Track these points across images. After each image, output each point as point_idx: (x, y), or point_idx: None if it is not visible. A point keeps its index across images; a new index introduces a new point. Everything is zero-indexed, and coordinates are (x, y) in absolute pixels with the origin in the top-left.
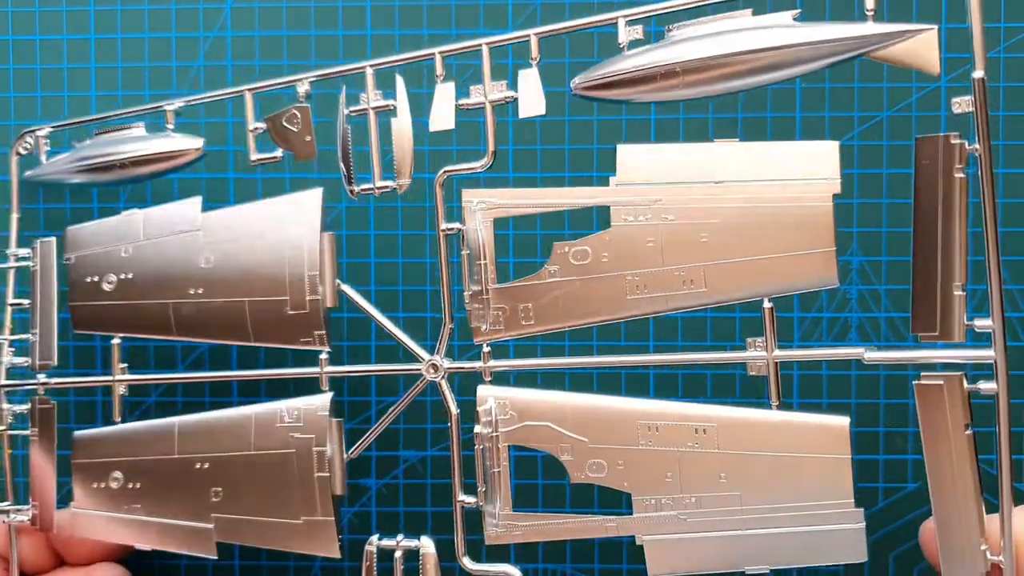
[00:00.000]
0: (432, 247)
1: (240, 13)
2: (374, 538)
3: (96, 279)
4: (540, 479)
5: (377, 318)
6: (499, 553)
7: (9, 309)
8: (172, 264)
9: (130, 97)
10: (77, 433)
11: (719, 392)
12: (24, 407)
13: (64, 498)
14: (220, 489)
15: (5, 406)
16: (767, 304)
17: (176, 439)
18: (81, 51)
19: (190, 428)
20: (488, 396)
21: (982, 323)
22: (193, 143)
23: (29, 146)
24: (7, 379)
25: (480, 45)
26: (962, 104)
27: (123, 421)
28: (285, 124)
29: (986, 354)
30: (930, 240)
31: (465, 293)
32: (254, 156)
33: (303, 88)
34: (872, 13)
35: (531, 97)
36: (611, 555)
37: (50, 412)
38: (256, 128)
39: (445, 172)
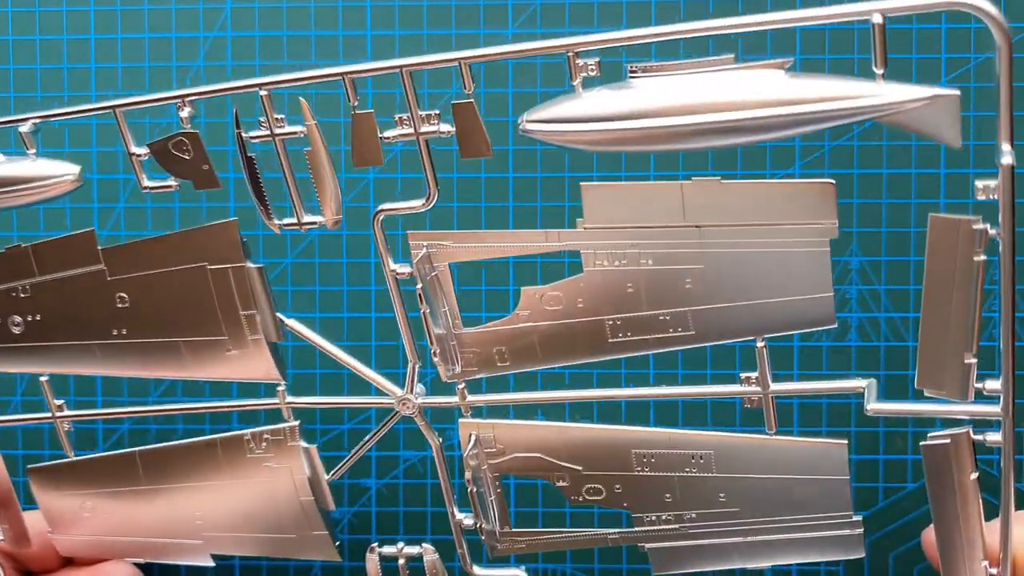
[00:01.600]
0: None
1: (240, 13)
2: (375, 546)
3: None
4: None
5: (332, 352)
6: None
7: None
8: (83, 303)
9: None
10: (32, 468)
11: (719, 408)
12: None
13: None
14: (201, 513)
15: None
16: (759, 343)
17: (140, 470)
18: (81, 51)
19: (154, 459)
20: (471, 432)
21: (992, 386)
22: (66, 169)
23: None
24: None
25: (397, 68)
26: (987, 191)
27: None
28: (173, 151)
29: (992, 410)
30: (941, 311)
31: (430, 345)
32: (145, 183)
33: (185, 112)
34: (882, 74)
35: (471, 135)
36: (611, 555)
37: None
38: (138, 154)
39: (381, 211)
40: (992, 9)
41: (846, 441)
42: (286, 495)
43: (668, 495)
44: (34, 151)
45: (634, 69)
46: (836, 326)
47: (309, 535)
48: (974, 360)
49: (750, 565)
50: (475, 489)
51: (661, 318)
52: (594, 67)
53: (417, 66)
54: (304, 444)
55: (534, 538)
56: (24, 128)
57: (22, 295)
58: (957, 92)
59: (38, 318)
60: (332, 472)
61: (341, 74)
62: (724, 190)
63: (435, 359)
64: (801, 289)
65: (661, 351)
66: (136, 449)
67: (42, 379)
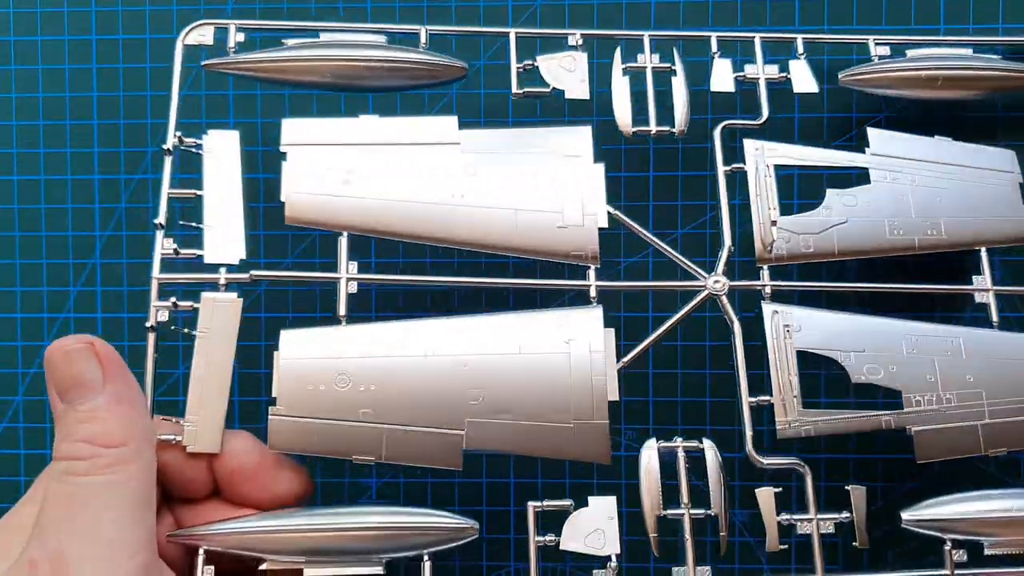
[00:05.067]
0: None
1: (240, 13)
2: (652, 441)
3: (326, 171)
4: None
5: (650, 239)
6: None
7: (165, 198)
8: (429, 168)
9: (132, 97)
10: (287, 332)
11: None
12: (189, 303)
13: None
14: (481, 392)
15: (157, 303)
16: (983, 251)
17: (428, 339)
18: (82, 51)
19: (443, 329)
20: (771, 309)
21: None
22: (455, 61)
23: (203, 38)
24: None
25: (753, 37)
26: None
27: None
28: (560, 66)
29: None
30: None
31: (755, 223)
32: (519, 90)
33: (575, 39)
34: None
35: (803, 79)
36: None
37: (232, 310)
38: (524, 66)
39: (725, 125)
40: None
41: None
42: (577, 373)
43: (930, 375)
44: (426, 47)
45: (908, 52)
46: None
47: (589, 424)
48: None
49: (991, 452)
50: (776, 354)
51: (923, 222)
52: (886, 50)
53: (769, 39)
54: (606, 328)
55: (819, 419)
56: (423, 38)
57: (361, 153)
58: None
59: (371, 174)
60: (624, 359)
61: (705, 35)
62: (961, 148)
63: (755, 238)
64: (1003, 212)
65: (920, 249)
66: (426, 319)
67: (342, 238)
